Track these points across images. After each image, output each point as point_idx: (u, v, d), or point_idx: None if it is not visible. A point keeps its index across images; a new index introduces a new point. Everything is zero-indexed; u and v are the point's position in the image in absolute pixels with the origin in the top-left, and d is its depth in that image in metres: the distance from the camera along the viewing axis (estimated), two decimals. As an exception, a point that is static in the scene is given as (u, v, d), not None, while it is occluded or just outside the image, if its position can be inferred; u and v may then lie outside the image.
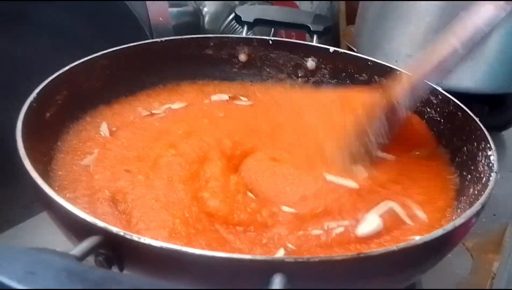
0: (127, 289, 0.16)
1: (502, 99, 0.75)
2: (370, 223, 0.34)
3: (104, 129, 0.45)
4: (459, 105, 0.44)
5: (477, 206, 0.30)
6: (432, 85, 0.48)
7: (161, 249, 0.23)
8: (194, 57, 0.57)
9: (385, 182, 0.39)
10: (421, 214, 0.36)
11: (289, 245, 0.32)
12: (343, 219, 0.34)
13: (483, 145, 0.39)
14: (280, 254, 0.31)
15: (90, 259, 0.24)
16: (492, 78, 0.65)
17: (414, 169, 0.42)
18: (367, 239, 0.33)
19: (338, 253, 0.31)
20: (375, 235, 0.33)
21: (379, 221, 0.34)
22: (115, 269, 0.25)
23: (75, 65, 0.45)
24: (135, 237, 0.24)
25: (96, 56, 0.48)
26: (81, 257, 0.21)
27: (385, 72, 0.53)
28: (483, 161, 0.38)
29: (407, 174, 0.41)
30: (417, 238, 0.26)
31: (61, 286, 0.17)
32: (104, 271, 0.18)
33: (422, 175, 0.41)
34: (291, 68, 0.59)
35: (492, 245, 0.47)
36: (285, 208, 0.35)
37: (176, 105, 0.52)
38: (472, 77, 0.64)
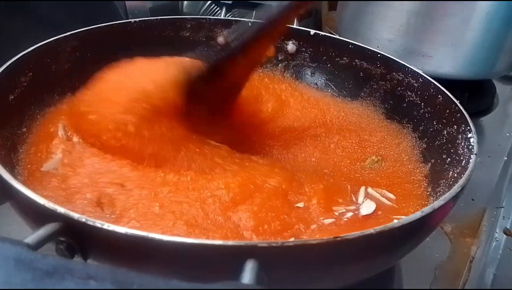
0: (79, 278, 0.15)
1: (482, 85, 0.76)
2: (369, 205, 0.35)
3: (61, 131, 0.39)
4: (439, 88, 0.44)
5: (455, 188, 0.29)
6: (414, 68, 0.48)
7: (126, 235, 0.22)
8: (170, 39, 0.55)
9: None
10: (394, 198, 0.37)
11: None
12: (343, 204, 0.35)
13: (463, 128, 0.38)
14: None
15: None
16: (472, 64, 0.65)
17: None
18: (367, 218, 0.34)
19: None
20: (372, 215, 0.34)
21: (374, 203, 0.35)
22: (79, 259, 0.23)
23: (41, 45, 0.43)
24: (97, 223, 0.22)
25: (65, 36, 0.46)
26: (36, 246, 0.19)
27: (366, 55, 0.52)
28: (462, 144, 0.37)
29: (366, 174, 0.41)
30: (395, 221, 0.25)
31: (6, 275, 0.15)
32: (55, 259, 0.16)
33: (387, 171, 0.42)
34: (271, 52, 0.58)
35: (470, 230, 0.47)
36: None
37: None
38: (452, 63, 0.64)
